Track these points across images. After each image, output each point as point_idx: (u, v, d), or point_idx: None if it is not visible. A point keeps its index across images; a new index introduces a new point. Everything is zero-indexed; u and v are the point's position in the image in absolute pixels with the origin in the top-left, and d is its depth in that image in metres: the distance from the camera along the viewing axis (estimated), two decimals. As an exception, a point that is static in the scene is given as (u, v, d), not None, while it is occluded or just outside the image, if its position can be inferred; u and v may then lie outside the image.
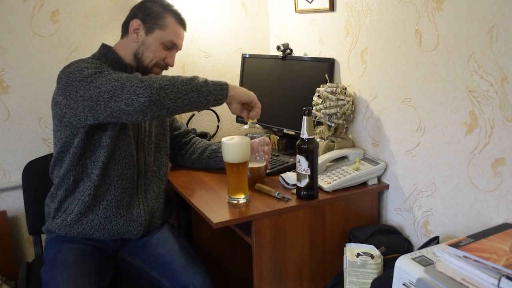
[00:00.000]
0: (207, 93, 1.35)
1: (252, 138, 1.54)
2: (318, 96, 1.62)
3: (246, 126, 1.56)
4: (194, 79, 1.35)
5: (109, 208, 1.48)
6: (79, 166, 1.46)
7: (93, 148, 1.44)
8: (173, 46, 1.56)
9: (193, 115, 2.08)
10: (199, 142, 1.78)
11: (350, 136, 1.71)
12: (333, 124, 1.63)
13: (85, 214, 1.47)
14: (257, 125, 1.56)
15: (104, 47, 1.55)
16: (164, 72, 1.62)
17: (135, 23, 1.52)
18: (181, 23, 1.58)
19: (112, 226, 1.49)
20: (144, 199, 1.55)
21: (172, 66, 1.59)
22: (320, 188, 1.47)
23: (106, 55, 1.52)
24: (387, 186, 1.56)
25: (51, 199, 1.53)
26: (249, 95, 1.45)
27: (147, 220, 1.54)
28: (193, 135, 1.83)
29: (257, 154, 1.55)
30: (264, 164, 1.57)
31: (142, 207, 1.53)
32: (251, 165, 1.54)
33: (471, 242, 1.04)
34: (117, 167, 1.48)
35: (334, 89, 1.59)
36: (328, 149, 1.63)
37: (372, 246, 1.36)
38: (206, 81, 1.37)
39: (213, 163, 1.72)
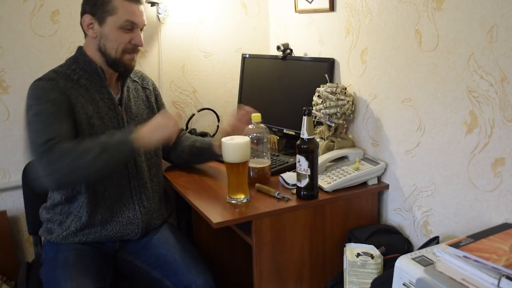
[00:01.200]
0: (113, 157, 1.32)
1: (255, 138, 1.54)
2: (318, 96, 1.62)
3: (250, 126, 1.56)
4: (100, 152, 1.29)
5: (105, 218, 1.48)
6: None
7: None
8: (133, 26, 1.45)
9: (193, 115, 2.08)
10: (186, 140, 1.73)
11: (350, 136, 1.71)
12: (333, 124, 1.63)
13: (82, 230, 1.47)
14: (262, 125, 1.56)
15: (78, 50, 1.51)
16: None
17: (86, 18, 1.44)
18: None
19: (108, 232, 1.49)
20: (139, 200, 1.53)
21: (141, 45, 1.49)
22: (320, 188, 1.46)
23: (78, 60, 1.49)
24: (387, 186, 1.56)
25: (46, 211, 1.53)
26: (163, 131, 1.38)
27: (144, 222, 1.53)
28: (184, 132, 1.79)
29: (264, 153, 1.55)
30: (268, 164, 1.56)
31: (138, 209, 1.52)
32: (255, 165, 1.54)
33: (471, 242, 1.04)
34: (103, 178, 1.46)
35: (334, 89, 1.59)
36: (328, 149, 1.63)
37: (372, 246, 1.36)
38: (107, 146, 1.31)
39: (203, 161, 1.74)
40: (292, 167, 1.62)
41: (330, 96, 1.59)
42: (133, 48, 1.49)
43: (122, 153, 1.34)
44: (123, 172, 1.50)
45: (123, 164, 1.46)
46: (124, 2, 1.43)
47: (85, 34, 1.50)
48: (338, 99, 1.58)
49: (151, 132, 1.37)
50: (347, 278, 1.34)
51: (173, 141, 1.59)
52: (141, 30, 1.49)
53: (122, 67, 1.49)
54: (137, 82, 1.65)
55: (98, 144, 1.31)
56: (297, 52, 1.97)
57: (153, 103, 1.67)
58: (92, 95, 1.46)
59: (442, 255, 1.03)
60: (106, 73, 1.50)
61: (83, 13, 1.46)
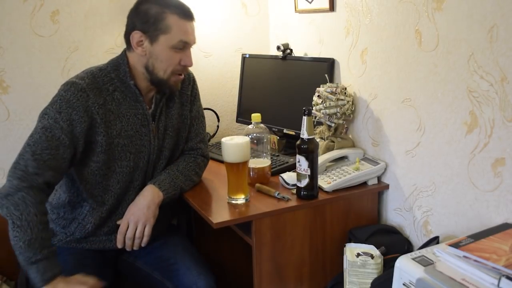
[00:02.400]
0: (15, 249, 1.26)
1: (255, 138, 1.54)
2: (318, 96, 1.62)
3: (250, 126, 1.56)
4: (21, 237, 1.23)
5: (111, 230, 1.46)
6: (74, 190, 1.44)
7: (82, 178, 1.40)
8: (185, 45, 1.39)
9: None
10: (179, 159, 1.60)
11: (350, 136, 1.71)
12: (333, 124, 1.63)
13: (86, 237, 1.46)
14: (262, 125, 1.56)
15: (122, 56, 1.43)
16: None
17: (136, 35, 1.36)
18: (186, 16, 1.38)
19: (113, 244, 1.46)
20: None
21: (191, 65, 1.43)
22: (320, 188, 1.46)
23: (119, 68, 1.41)
24: (387, 186, 1.56)
25: (51, 209, 1.50)
26: None
27: (131, 238, 1.47)
28: (190, 152, 1.62)
29: (264, 153, 1.55)
30: (268, 164, 1.56)
31: None
32: (255, 165, 1.54)
33: (471, 242, 1.04)
34: (113, 195, 1.44)
35: (334, 89, 1.59)
36: (328, 149, 1.62)
37: (372, 246, 1.36)
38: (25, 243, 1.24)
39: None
40: (292, 167, 1.62)
41: (330, 96, 1.59)
42: (182, 69, 1.43)
43: (21, 260, 1.25)
44: (136, 189, 1.47)
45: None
46: (179, 21, 1.36)
47: (128, 48, 1.41)
48: (338, 99, 1.58)
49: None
50: (347, 278, 1.34)
51: None
52: (192, 45, 1.44)
53: (167, 88, 1.44)
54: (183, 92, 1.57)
55: (30, 230, 1.23)
56: (297, 52, 1.96)
57: (186, 112, 1.57)
58: (123, 111, 1.40)
59: (442, 255, 1.03)
60: (144, 89, 1.43)
61: (132, 29, 1.37)
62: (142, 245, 1.41)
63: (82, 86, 1.33)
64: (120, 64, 1.41)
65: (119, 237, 1.40)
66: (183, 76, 1.46)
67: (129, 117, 1.41)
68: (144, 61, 1.39)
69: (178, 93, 1.54)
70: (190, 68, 1.49)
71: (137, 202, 1.42)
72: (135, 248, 1.41)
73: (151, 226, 1.41)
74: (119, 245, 1.41)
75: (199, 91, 1.64)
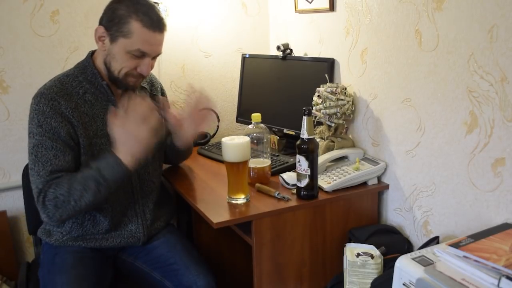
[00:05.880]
0: (111, 188, 1.29)
1: (255, 138, 1.54)
2: (318, 96, 1.62)
3: (250, 126, 1.56)
4: (96, 190, 1.27)
5: (107, 230, 1.46)
6: None
7: None
8: (143, 54, 1.36)
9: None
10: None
11: (350, 136, 1.71)
12: (333, 124, 1.63)
13: (83, 235, 1.46)
14: (262, 125, 1.56)
15: (87, 58, 1.44)
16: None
17: (99, 30, 1.35)
18: (151, 26, 1.33)
19: (109, 243, 1.47)
20: (142, 213, 1.51)
21: (146, 75, 1.41)
22: (320, 188, 1.46)
23: (86, 70, 1.41)
24: (387, 186, 1.56)
25: None
26: (144, 129, 1.26)
27: (146, 234, 1.51)
28: None
29: (264, 153, 1.55)
30: (268, 164, 1.56)
31: (140, 221, 1.50)
32: (255, 165, 1.54)
33: (471, 242, 1.04)
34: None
35: (334, 89, 1.59)
36: (328, 149, 1.63)
37: (372, 246, 1.36)
38: (100, 180, 1.27)
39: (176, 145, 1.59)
40: (292, 167, 1.62)
41: (330, 96, 1.59)
42: (138, 75, 1.40)
43: (119, 179, 1.29)
44: (127, 188, 1.48)
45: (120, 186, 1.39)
46: (142, 29, 1.32)
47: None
48: (338, 99, 1.58)
49: (133, 140, 1.27)
50: (347, 278, 1.34)
51: (165, 129, 1.48)
52: (154, 58, 1.41)
53: (123, 86, 1.43)
54: (146, 88, 1.59)
55: (91, 179, 1.27)
56: (297, 52, 1.97)
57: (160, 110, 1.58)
58: (97, 111, 1.41)
59: (442, 255, 1.03)
60: (113, 86, 1.44)
61: (99, 22, 1.37)
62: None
63: (51, 95, 1.34)
64: (86, 67, 1.42)
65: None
66: (139, 81, 1.44)
67: (103, 117, 1.41)
68: (104, 56, 1.39)
69: (149, 95, 1.56)
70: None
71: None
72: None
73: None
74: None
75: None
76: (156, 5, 1.40)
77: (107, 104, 1.43)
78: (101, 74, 1.42)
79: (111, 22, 1.33)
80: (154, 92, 1.62)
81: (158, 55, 1.42)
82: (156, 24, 1.35)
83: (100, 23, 1.37)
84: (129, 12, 1.32)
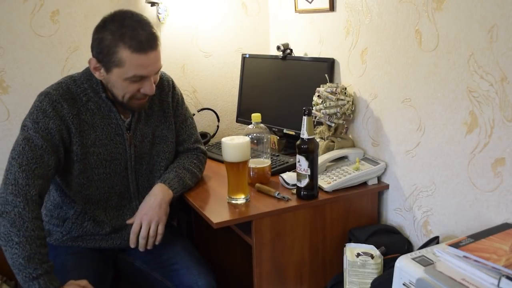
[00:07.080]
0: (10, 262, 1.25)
1: (255, 138, 1.54)
2: (318, 96, 1.62)
3: (250, 126, 1.56)
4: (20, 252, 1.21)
5: (107, 232, 1.46)
6: (63, 193, 1.45)
7: (66, 185, 1.42)
8: (141, 78, 1.32)
9: (193, 115, 2.08)
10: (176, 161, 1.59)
11: (350, 136, 1.71)
12: (333, 124, 1.63)
13: (83, 236, 1.46)
14: (262, 125, 1.56)
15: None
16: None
17: (92, 61, 1.33)
18: (141, 49, 1.27)
19: (109, 245, 1.48)
20: None
21: (151, 94, 1.37)
22: (320, 188, 1.46)
23: (92, 78, 1.39)
24: (387, 186, 1.56)
25: (45, 211, 1.50)
26: None
27: (145, 237, 1.48)
28: (189, 152, 1.62)
29: (264, 153, 1.55)
30: (268, 164, 1.56)
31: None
32: (255, 165, 1.54)
33: (471, 242, 1.04)
34: (94, 201, 1.44)
35: (334, 89, 1.59)
36: (328, 149, 1.63)
37: (372, 246, 1.36)
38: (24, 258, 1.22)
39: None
40: (292, 167, 1.62)
41: (330, 96, 1.59)
42: (143, 96, 1.37)
43: (21, 278, 1.24)
44: (124, 194, 1.48)
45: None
46: (132, 55, 1.27)
47: None
48: (338, 99, 1.58)
49: None
50: (347, 278, 1.34)
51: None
52: (156, 73, 1.37)
53: (130, 109, 1.42)
54: (154, 95, 1.47)
55: (29, 246, 1.22)
56: (297, 52, 1.96)
57: (170, 119, 1.54)
58: (97, 121, 1.40)
59: (442, 255, 1.03)
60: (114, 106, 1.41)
61: (91, 51, 1.34)
62: (156, 243, 1.41)
63: (56, 96, 1.34)
64: (91, 74, 1.38)
65: (132, 236, 1.39)
66: (146, 100, 1.41)
67: (103, 127, 1.41)
68: (105, 83, 1.37)
69: (157, 101, 1.52)
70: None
71: (148, 201, 1.42)
72: (148, 247, 1.40)
73: (164, 224, 1.41)
74: (132, 245, 1.39)
75: (181, 94, 1.61)
76: (143, 18, 1.33)
77: (109, 114, 1.42)
78: (103, 85, 1.39)
79: (101, 54, 1.31)
80: (164, 97, 1.54)
81: (158, 71, 1.38)
82: (146, 44, 1.28)
83: (92, 54, 1.35)
84: (115, 41, 1.27)
